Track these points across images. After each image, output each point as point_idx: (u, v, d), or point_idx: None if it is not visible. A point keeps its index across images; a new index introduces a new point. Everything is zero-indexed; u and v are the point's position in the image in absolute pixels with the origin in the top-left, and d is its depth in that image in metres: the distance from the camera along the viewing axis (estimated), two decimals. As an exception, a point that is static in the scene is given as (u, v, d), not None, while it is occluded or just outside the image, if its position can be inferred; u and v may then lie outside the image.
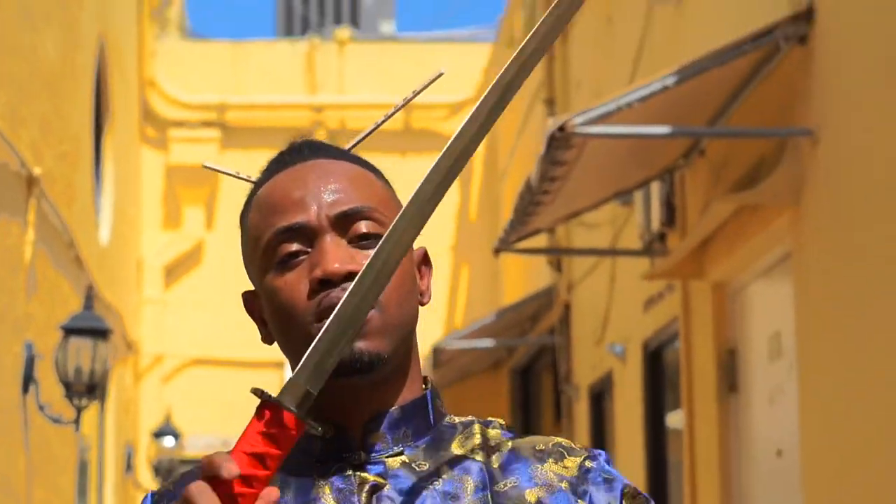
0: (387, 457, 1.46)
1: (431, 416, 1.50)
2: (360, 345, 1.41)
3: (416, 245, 1.46)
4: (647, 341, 7.93)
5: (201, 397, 12.88)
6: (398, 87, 13.56)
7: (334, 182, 1.48)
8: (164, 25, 13.71)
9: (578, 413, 9.86)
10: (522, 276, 11.75)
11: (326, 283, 1.41)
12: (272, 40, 14.93)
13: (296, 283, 1.44)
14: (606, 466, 1.48)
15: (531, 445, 1.49)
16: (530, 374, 12.49)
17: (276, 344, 1.50)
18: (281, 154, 1.54)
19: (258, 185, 1.52)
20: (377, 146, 13.44)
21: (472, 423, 1.52)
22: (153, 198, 13.34)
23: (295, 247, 1.45)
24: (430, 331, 12.48)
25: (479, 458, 1.48)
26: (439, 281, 13.42)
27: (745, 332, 6.53)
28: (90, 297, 8.06)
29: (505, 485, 1.45)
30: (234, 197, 13.35)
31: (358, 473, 1.43)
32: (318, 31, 14.80)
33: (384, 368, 1.44)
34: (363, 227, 1.45)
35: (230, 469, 1.25)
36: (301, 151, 1.51)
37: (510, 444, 1.50)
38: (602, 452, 1.50)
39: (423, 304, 1.53)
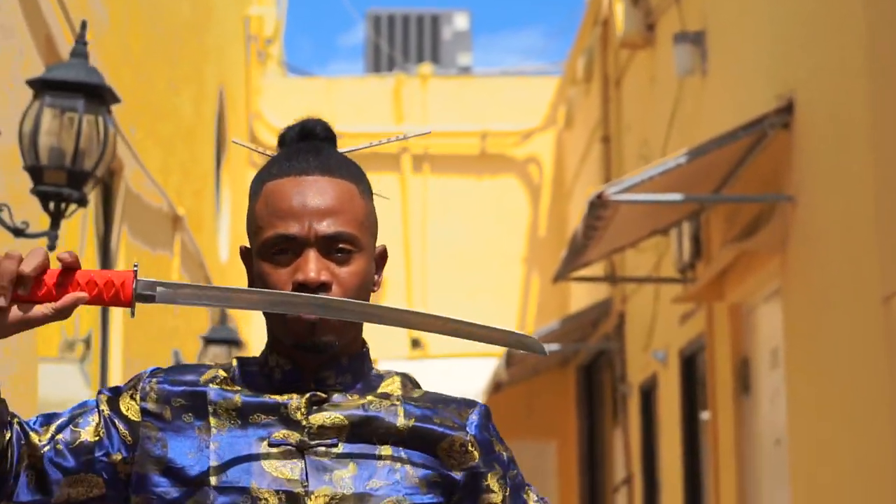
0: (330, 389, 1.94)
1: (367, 368, 1.99)
2: (322, 337, 1.89)
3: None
4: (682, 349, 9.48)
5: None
6: (475, 116, 15.10)
7: (326, 203, 1.90)
8: (266, 61, 15.39)
9: (631, 408, 11.42)
10: (585, 287, 13.29)
11: (303, 287, 1.87)
12: (362, 76, 16.52)
13: (281, 276, 1.90)
14: (477, 422, 1.98)
15: (436, 394, 2.00)
16: (592, 371, 13.97)
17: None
18: (290, 151, 1.97)
19: (270, 171, 1.95)
20: (456, 169, 15.10)
21: (391, 373, 2.02)
22: (260, 216, 15.06)
23: (286, 248, 1.90)
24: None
25: (396, 391, 1.98)
26: (512, 290, 14.96)
27: (754, 345, 8.05)
28: (224, 313, 9.80)
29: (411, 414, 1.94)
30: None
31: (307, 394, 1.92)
32: (403, 67, 16.36)
33: (336, 348, 1.93)
34: (340, 244, 1.90)
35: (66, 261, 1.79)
36: (308, 161, 1.94)
37: (421, 390, 2.01)
38: (478, 410, 1.99)
39: (374, 292, 1.99)
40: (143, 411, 1.94)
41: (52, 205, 4.83)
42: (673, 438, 9.76)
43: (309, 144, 1.99)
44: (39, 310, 1.80)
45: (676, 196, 6.94)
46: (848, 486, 6.03)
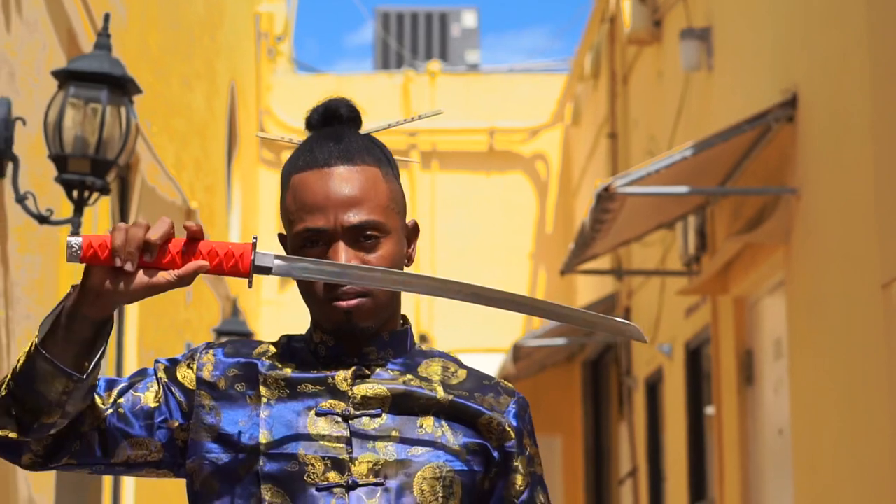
0: (374, 364, 2.03)
1: (408, 344, 2.08)
2: (359, 323, 1.99)
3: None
4: (688, 342, 9.62)
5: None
6: (483, 113, 15.23)
7: (350, 193, 1.97)
8: (276, 58, 15.53)
9: (637, 401, 11.55)
10: (592, 282, 13.43)
11: None
12: (372, 73, 16.66)
13: None
14: (515, 411, 2.06)
15: (478, 376, 2.09)
16: (599, 366, 14.13)
17: None
18: (313, 140, 2.04)
19: (296, 163, 2.02)
20: (464, 166, 15.23)
21: (433, 352, 2.10)
22: (269, 212, 15.22)
23: (316, 240, 1.98)
24: (510, 330, 14.18)
25: (436, 377, 2.06)
26: (520, 285, 15.10)
27: (758, 336, 8.18)
28: (236, 307, 9.95)
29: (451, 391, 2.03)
30: (339, 211, 15.13)
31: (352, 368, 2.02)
32: (411, 64, 16.49)
33: (373, 331, 2.02)
34: (367, 231, 1.98)
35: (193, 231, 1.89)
36: (330, 150, 2.00)
37: (463, 371, 2.08)
38: (517, 400, 2.08)
39: (408, 266, 2.07)
40: (199, 381, 2.03)
41: (75, 193, 4.98)
42: (678, 430, 9.88)
43: (331, 131, 2.06)
44: (163, 276, 1.87)
45: (682, 188, 7.08)
46: (848, 473, 6.16)
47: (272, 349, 2.06)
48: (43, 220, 5.01)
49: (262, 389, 2.01)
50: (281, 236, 2.08)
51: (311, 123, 2.10)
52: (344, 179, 1.98)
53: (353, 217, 1.97)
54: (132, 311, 8.00)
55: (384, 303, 2.01)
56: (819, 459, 6.66)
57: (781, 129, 6.96)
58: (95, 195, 5.01)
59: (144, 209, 8.20)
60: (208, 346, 2.08)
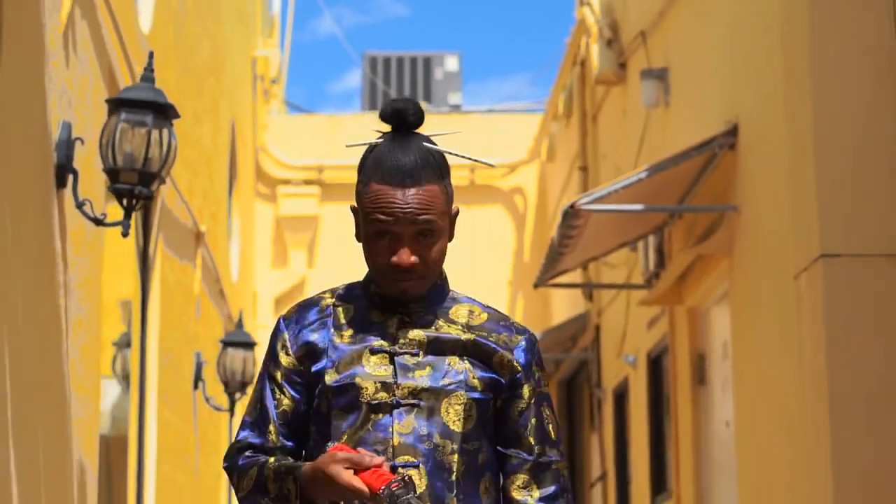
0: (413, 313, 2.63)
1: (443, 296, 2.67)
2: (411, 296, 2.62)
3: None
4: (650, 351, 10.61)
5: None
6: (464, 150, 16.15)
7: (418, 206, 2.54)
8: (270, 99, 16.54)
9: (606, 411, 12.51)
10: (565, 303, 14.42)
11: (398, 266, 2.57)
12: (360, 113, 17.65)
13: (383, 251, 2.57)
14: (525, 346, 2.66)
15: (497, 317, 2.70)
16: (573, 384, 15.10)
17: None
18: (386, 153, 2.59)
19: (376, 171, 2.57)
20: (447, 199, 16.17)
21: (461, 299, 2.69)
22: (265, 242, 16.20)
23: (387, 234, 2.57)
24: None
25: (462, 319, 2.65)
26: (499, 308, 16.03)
27: (708, 341, 9.15)
28: (241, 320, 10.93)
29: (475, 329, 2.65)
30: (330, 242, 16.09)
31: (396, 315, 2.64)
32: (398, 105, 17.54)
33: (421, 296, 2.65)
34: (426, 233, 2.56)
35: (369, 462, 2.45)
36: (403, 169, 2.56)
37: (485, 314, 2.69)
38: (527, 338, 2.68)
39: (449, 241, 2.62)
40: (298, 360, 2.67)
41: (125, 200, 5.96)
42: (641, 433, 10.84)
43: (402, 141, 2.62)
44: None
45: (638, 206, 8.08)
46: (783, 456, 7.06)
47: (336, 301, 2.69)
48: (98, 222, 5.98)
49: (333, 331, 2.65)
50: (353, 208, 2.66)
51: (383, 116, 2.68)
52: (413, 196, 2.56)
53: (419, 223, 2.56)
54: (153, 323, 8.97)
55: (433, 279, 2.63)
56: (758, 446, 7.57)
57: (725, 156, 7.98)
58: (142, 202, 5.99)
59: (164, 228, 9.19)
60: (286, 325, 2.68)
